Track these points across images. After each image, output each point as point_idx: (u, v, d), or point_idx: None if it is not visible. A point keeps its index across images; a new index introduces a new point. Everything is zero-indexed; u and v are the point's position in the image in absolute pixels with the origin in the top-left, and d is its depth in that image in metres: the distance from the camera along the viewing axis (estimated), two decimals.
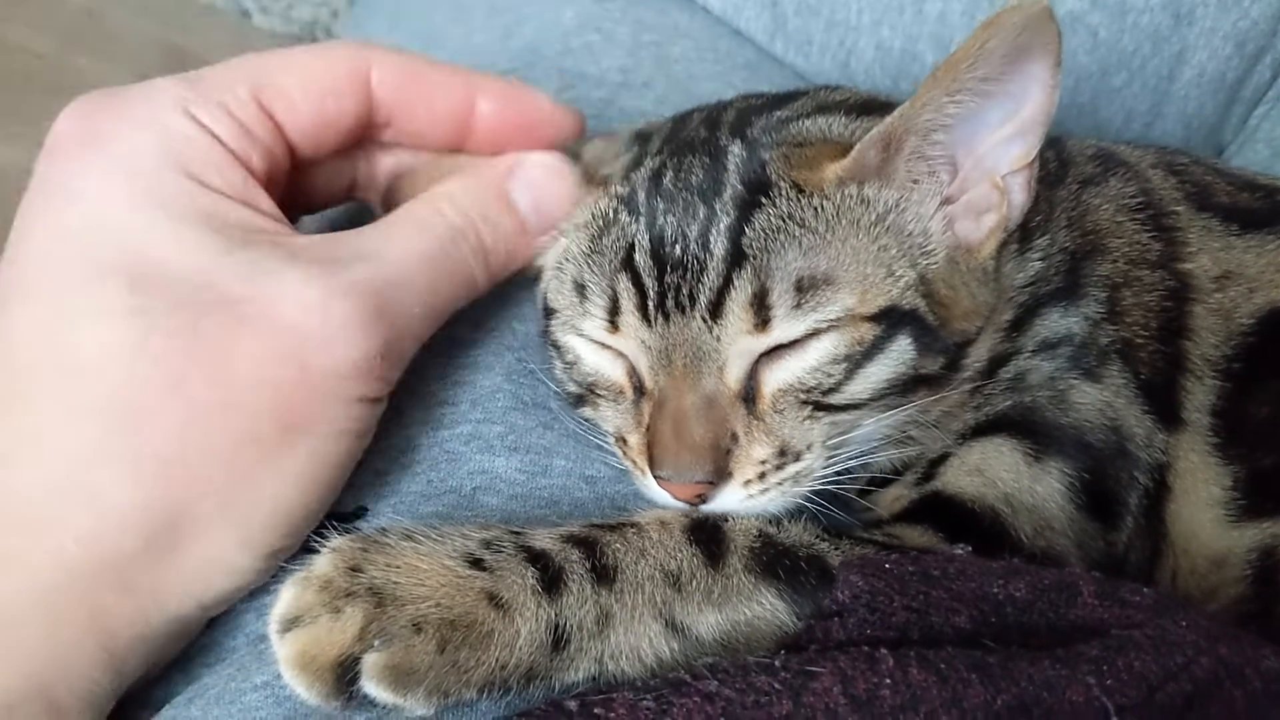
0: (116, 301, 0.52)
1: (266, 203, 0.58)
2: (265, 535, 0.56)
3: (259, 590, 0.59)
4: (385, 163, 0.69)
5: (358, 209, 0.74)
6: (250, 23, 2.33)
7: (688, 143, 0.64)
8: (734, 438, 0.59)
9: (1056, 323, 0.65)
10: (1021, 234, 0.65)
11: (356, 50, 0.62)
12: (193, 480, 0.53)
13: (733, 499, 0.59)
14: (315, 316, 0.54)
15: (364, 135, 0.65)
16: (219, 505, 0.53)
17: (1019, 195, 0.61)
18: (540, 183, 0.66)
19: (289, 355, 0.54)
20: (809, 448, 0.60)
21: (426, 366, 0.67)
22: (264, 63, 0.60)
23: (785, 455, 0.59)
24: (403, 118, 0.64)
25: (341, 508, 0.61)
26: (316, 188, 0.68)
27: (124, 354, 0.52)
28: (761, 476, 0.59)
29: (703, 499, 0.59)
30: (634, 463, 0.62)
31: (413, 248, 0.59)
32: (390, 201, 0.68)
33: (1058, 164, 0.71)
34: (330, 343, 0.55)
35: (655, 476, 0.59)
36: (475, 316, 0.69)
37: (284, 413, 0.54)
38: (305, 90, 0.60)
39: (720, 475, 0.58)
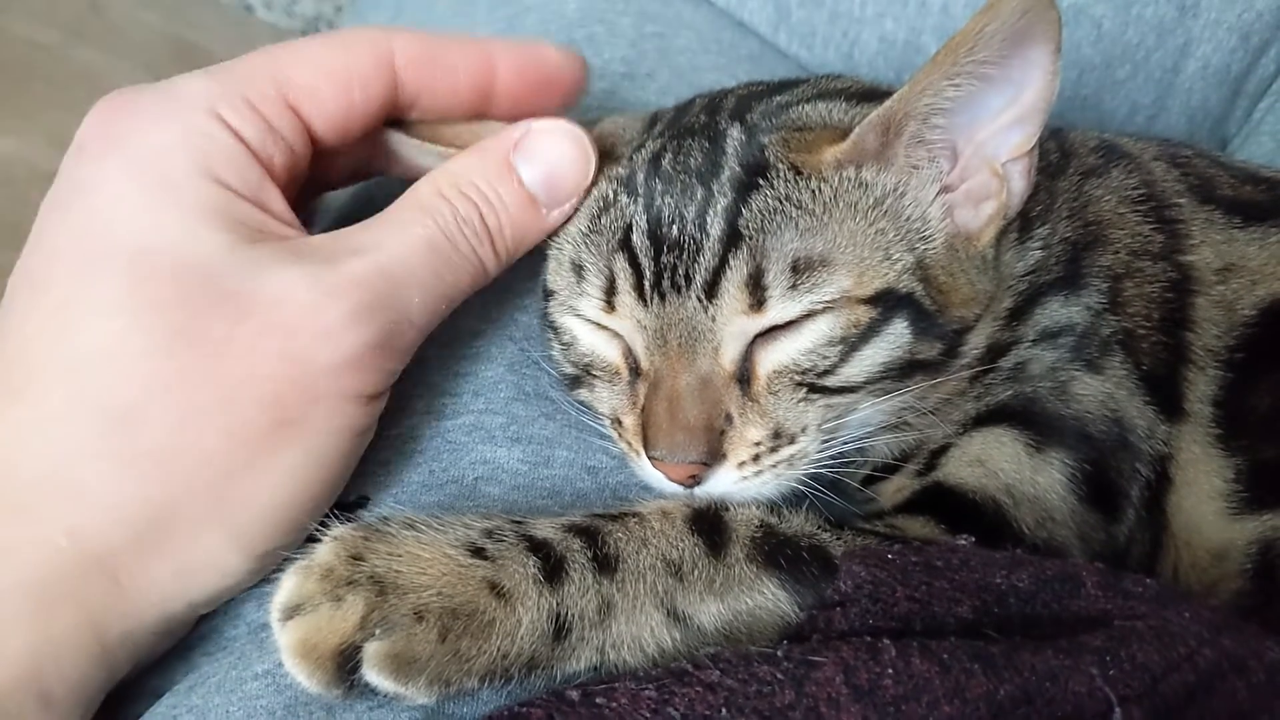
0: (120, 297, 0.53)
1: (279, 201, 0.59)
2: (257, 535, 0.55)
3: (259, 580, 0.59)
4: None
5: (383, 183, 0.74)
6: (253, 16, 2.33)
7: (688, 127, 0.64)
8: (728, 419, 0.59)
9: (1057, 312, 0.65)
10: (1022, 223, 0.65)
11: (379, 36, 0.62)
12: (184, 479, 0.53)
13: (726, 481, 0.59)
14: (308, 313, 0.54)
15: (389, 117, 0.65)
16: (211, 504, 0.53)
17: (1018, 183, 0.61)
18: (549, 153, 0.62)
19: (283, 352, 0.54)
20: (804, 430, 0.60)
21: (429, 357, 0.67)
22: (290, 56, 0.60)
23: (780, 437, 0.59)
24: (427, 97, 0.64)
25: (343, 497, 0.60)
26: (338, 168, 0.68)
27: (123, 350, 0.52)
28: (756, 459, 0.59)
29: (696, 480, 0.59)
30: (629, 444, 0.62)
31: (413, 235, 0.59)
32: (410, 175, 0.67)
33: (1059, 155, 0.70)
34: (321, 339, 0.54)
35: (649, 457, 0.59)
36: (478, 307, 0.69)
37: (278, 410, 0.54)
38: (332, 83, 0.60)
39: (714, 456, 0.58)
